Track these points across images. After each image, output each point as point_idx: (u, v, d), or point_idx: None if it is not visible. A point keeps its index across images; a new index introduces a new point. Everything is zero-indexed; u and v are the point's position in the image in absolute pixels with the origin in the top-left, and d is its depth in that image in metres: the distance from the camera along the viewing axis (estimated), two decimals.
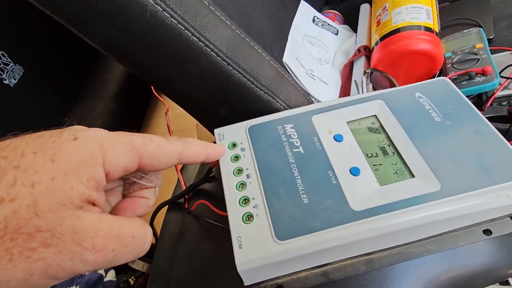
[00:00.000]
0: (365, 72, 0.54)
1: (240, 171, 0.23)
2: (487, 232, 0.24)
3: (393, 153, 0.23)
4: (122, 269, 0.49)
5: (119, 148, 0.16)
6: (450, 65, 0.49)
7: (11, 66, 0.51)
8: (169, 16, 0.22)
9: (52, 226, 0.13)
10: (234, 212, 0.21)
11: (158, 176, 0.20)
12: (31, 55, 0.53)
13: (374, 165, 0.23)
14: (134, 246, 0.16)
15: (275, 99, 0.29)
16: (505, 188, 0.20)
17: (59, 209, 0.13)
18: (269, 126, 0.26)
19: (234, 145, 0.25)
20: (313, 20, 0.63)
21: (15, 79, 0.51)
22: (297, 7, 0.61)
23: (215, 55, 0.25)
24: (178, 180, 0.34)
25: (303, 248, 0.19)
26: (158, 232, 0.37)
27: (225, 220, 0.26)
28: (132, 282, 0.46)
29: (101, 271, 0.44)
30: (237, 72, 0.26)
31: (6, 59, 0.50)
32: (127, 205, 0.19)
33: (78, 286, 0.40)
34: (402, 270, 0.23)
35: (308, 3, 0.63)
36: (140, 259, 0.47)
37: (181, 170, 0.35)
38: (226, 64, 0.25)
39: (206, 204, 0.28)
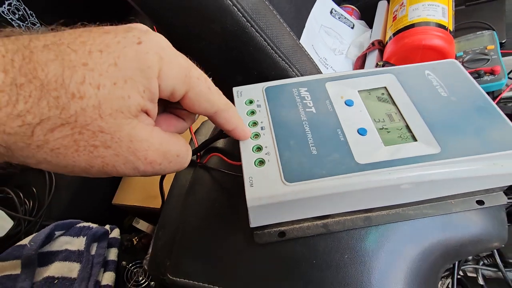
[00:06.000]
0: (377, 64, 0.55)
1: (255, 123, 0.25)
2: (480, 202, 0.25)
3: (399, 120, 0.25)
4: (127, 230, 0.51)
5: (176, 67, 0.16)
6: (461, 63, 0.50)
7: (38, 27, 0.53)
8: None
9: (112, 130, 0.14)
10: (247, 157, 0.23)
11: None
12: (58, 17, 0.55)
13: (380, 128, 0.24)
14: (176, 163, 0.18)
15: (291, 68, 0.30)
16: (500, 157, 0.22)
17: (118, 115, 0.14)
18: (285, 88, 0.27)
19: (251, 102, 0.27)
20: (331, 12, 0.65)
21: None
22: None
23: (241, 15, 0.26)
24: (191, 140, 0.36)
25: (309, 191, 0.21)
26: (166, 191, 0.39)
27: (235, 169, 0.28)
28: (135, 242, 0.48)
29: (107, 227, 0.46)
30: (259, 35, 0.28)
31: (34, 19, 0.52)
32: (163, 121, 0.19)
33: (85, 237, 0.42)
34: (398, 229, 0.25)
35: None
36: (145, 220, 0.50)
37: (195, 132, 0.37)
38: (249, 25, 0.27)
39: (218, 157, 0.29)
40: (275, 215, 0.23)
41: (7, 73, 0.12)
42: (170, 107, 0.20)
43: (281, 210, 0.22)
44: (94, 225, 0.45)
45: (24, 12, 0.51)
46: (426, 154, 0.22)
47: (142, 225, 0.48)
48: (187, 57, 0.18)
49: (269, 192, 0.21)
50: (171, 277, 0.26)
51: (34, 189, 0.45)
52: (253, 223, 0.23)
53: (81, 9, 0.59)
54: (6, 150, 0.13)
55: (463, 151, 0.22)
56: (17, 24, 0.50)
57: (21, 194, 0.44)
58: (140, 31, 0.16)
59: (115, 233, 0.47)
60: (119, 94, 0.14)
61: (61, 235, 0.42)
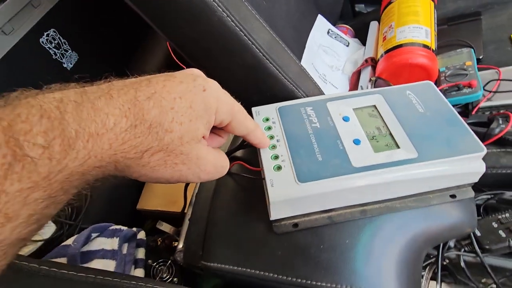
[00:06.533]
0: (370, 80, 0.62)
1: (272, 137, 0.31)
2: (453, 196, 0.31)
3: (386, 131, 0.31)
4: (151, 232, 0.56)
5: (225, 105, 0.22)
6: (444, 77, 0.57)
7: (69, 53, 0.60)
8: (230, 20, 0.31)
9: (187, 152, 0.21)
10: (267, 164, 0.29)
11: None
12: (85, 44, 0.62)
13: (371, 139, 0.31)
14: (221, 172, 0.24)
15: (298, 89, 0.37)
16: (464, 159, 0.28)
17: (191, 142, 0.21)
18: (294, 107, 0.34)
19: (267, 119, 0.33)
20: (328, 32, 0.72)
21: (71, 64, 0.60)
22: (315, 20, 0.69)
23: (258, 51, 0.33)
24: None
25: (316, 188, 0.27)
26: (189, 196, 0.45)
27: (255, 174, 0.34)
28: (159, 243, 0.54)
29: (134, 229, 0.52)
30: (272, 66, 0.35)
31: (66, 46, 0.59)
32: (209, 139, 0.25)
33: (118, 238, 0.48)
34: (388, 219, 0.31)
35: (324, 18, 0.72)
36: (168, 223, 0.55)
37: None
38: (265, 58, 0.34)
39: (238, 165, 0.36)
40: (290, 209, 0.29)
41: (127, 118, 0.18)
42: (213, 128, 0.26)
43: (295, 204, 0.28)
44: (124, 228, 0.50)
45: (59, 41, 0.58)
46: (407, 158, 0.28)
47: (165, 227, 0.53)
48: (215, 80, 0.24)
49: (286, 190, 0.27)
50: (204, 262, 0.32)
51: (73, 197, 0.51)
52: (273, 216, 0.29)
53: (107, 36, 0.67)
54: (126, 168, 0.19)
55: (436, 155, 0.28)
56: (53, 52, 0.57)
57: None
58: (202, 79, 0.22)
59: (141, 234, 0.53)
60: (193, 128, 0.21)
61: (97, 236, 0.48)
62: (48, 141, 0.15)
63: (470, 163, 0.29)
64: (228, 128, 0.24)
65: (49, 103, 0.16)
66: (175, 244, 0.49)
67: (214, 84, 0.23)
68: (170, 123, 0.20)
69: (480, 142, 0.29)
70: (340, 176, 0.27)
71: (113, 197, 0.57)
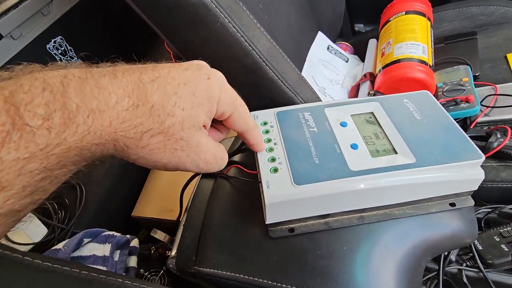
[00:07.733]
0: (369, 93, 0.63)
1: (269, 140, 0.31)
2: (452, 204, 0.31)
3: (383, 137, 0.31)
4: (144, 240, 0.55)
5: (228, 97, 0.23)
6: (441, 93, 0.58)
7: (75, 59, 0.62)
8: (231, 26, 0.32)
9: (187, 138, 0.20)
10: (264, 166, 0.29)
11: None
12: (90, 52, 0.64)
13: (368, 144, 0.31)
14: (220, 164, 0.24)
15: (297, 96, 0.38)
16: (462, 166, 0.28)
17: (192, 128, 0.20)
18: (292, 112, 0.34)
19: (265, 123, 0.33)
20: (328, 48, 0.74)
21: None
22: (315, 36, 0.72)
23: (258, 57, 0.34)
24: None
25: (313, 191, 0.27)
26: (185, 202, 0.44)
27: (252, 178, 0.34)
28: (152, 251, 0.52)
29: (128, 236, 0.51)
30: (271, 71, 0.35)
31: (72, 53, 0.61)
32: (209, 132, 0.24)
33: (110, 244, 0.47)
34: (386, 226, 0.30)
35: (325, 34, 0.74)
36: (162, 231, 0.54)
37: None
38: (265, 64, 0.35)
39: (235, 168, 0.35)
40: (286, 212, 0.28)
41: (130, 98, 0.18)
42: (213, 122, 0.26)
43: (291, 207, 0.28)
44: (118, 234, 0.49)
45: (65, 48, 0.59)
46: (404, 163, 0.28)
47: (160, 235, 0.52)
48: None
49: (282, 192, 0.27)
50: (197, 268, 0.31)
51: (67, 201, 0.50)
52: (269, 220, 0.29)
53: (112, 45, 0.69)
54: (125, 148, 0.19)
55: (433, 161, 0.28)
56: (59, 58, 0.58)
57: (55, 205, 0.49)
58: (207, 69, 0.22)
59: (135, 242, 0.52)
60: (194, 114, 0.21)
61: (89, 242, 0.47)
62: (48, 113, 0.15)
63: (468, 170, 0.28)
64: (229, 121, 0.24)
65: (53, 78, 0.16)
66: (169, 254, 0.48)
67: (218, 74, 0.23)
68: (172, 107, 0.20)
69: (478, 149, 0.29)
70: (337, 179, 0.27)
71: (108, 204, 0.56)
